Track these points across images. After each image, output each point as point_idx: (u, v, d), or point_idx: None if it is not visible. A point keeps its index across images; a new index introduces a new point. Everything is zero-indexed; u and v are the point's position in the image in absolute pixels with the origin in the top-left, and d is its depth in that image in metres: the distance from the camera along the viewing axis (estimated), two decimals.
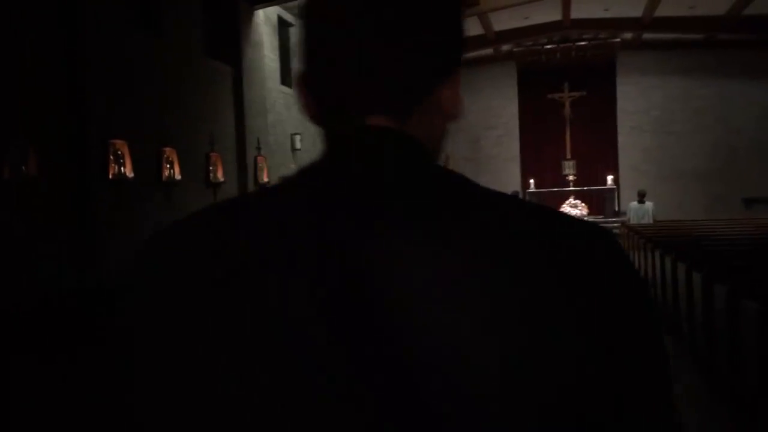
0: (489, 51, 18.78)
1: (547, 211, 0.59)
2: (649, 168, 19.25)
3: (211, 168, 9.83)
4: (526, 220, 0.57)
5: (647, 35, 17.76)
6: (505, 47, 18.70)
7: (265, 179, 11.25)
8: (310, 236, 0.54)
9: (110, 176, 7.43)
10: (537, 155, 19.93)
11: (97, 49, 7.43)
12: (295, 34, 13.83)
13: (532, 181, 18.89)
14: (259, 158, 11.18)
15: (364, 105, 0.60)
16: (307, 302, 0.51)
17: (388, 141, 0.59)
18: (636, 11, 15.70)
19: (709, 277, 4.86)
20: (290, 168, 13.03)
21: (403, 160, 0.59)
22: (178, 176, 8.79)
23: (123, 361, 0.58)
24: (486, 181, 20.27)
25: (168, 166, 8.66)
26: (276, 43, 12.66)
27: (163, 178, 8.55)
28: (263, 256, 0.54)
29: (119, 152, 7.58)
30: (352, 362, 0.50)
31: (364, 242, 0.53)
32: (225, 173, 10.16)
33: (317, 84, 0.62)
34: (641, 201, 12.90)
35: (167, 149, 8.67)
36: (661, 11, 15.40)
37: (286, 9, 13.12)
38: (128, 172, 7.68)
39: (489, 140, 20.36)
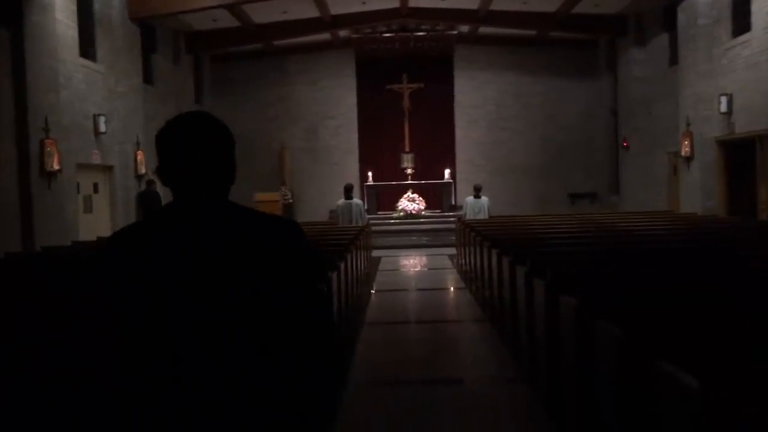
0: (326, 36, 17.87)
1: (264, 215, 1.61)
2: (484, 163, 19.43)
3: None
4: (256, 225, 1.58)
5: (483, 29, 17.78)
6: (343, 33, 17.89)
7: (56, 166, 9.43)
8: (184, 248, 1.53)
9: None
10: (376, 147, 19.38)
11: None
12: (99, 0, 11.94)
13: (370, 173, 18.29)
14: (47, 142, 9.33)
15: (196, 177, 1.55)
16: (184, 280, 1.51)
17: (208, 192, 1.56)
18: (472, 3, 15.54)
19: (553, 286, 4.24)
20: (94, 154, 11.21)
21: (212, 199, 1.57)
22: None
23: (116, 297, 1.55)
24: (324, 172, 19.16)
25: None
26: (74, 7, 10.76)
27: None
28: (169, 258, 1.52)
29: None
30: (197, 307, 1.51)
31: (199, 247, 1.53)
32: None
33: (168, 170, 1.56)
34: (477, 196, 12.64)
35: None
36: (497, 5, 15.36)
37: None
38: None
39: (327, 130, 19.49)
